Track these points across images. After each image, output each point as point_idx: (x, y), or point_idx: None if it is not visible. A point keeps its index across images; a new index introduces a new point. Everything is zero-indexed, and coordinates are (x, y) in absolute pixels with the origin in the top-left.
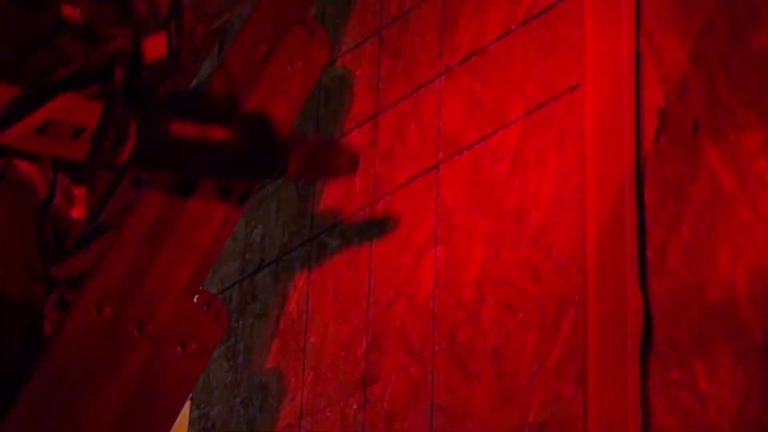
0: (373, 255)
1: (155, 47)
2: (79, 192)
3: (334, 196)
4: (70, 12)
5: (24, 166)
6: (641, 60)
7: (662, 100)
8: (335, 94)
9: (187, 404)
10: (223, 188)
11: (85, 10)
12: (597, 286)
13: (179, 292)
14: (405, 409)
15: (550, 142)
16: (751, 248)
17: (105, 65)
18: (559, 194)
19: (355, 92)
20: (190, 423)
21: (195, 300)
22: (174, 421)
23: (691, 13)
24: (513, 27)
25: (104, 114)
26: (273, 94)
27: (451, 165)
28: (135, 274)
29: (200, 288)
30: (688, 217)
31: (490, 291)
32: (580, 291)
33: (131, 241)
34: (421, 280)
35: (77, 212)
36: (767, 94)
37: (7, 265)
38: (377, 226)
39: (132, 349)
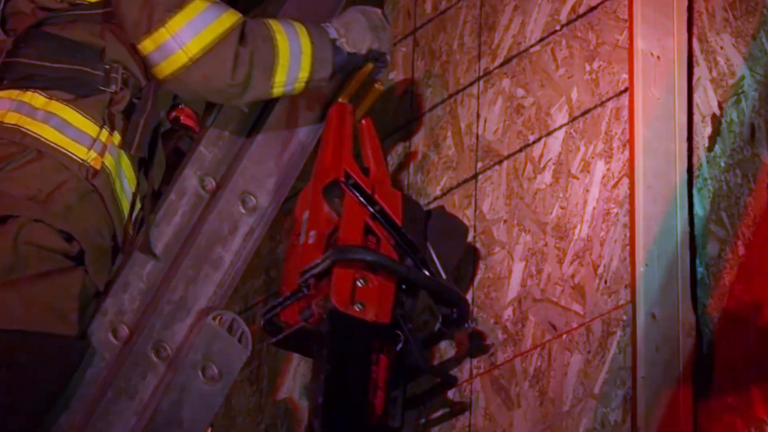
0: None
1: None
2: None
3: None
4: None
5: None
6: (694, 62)
7: (716, 105)
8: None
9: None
10: (243, 201)
11: None
12: (646, 306)
13: (199, 312)
14: None
15: (595, 151)
16: None
17: None
18: (606, 207)
19: (387, 97)
20: None
21: (216, 321)
22: None
23: (748, 11)
24: (557, 28)
25: None
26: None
27: (490, 175)
28: (151, 293)
29: (222, 308)
30: (744, 231)
31: (532, 310)
32: (628, 310)
33: (148, 257)
34: None
35: None
36: None
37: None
38: None
39: (149, 374)
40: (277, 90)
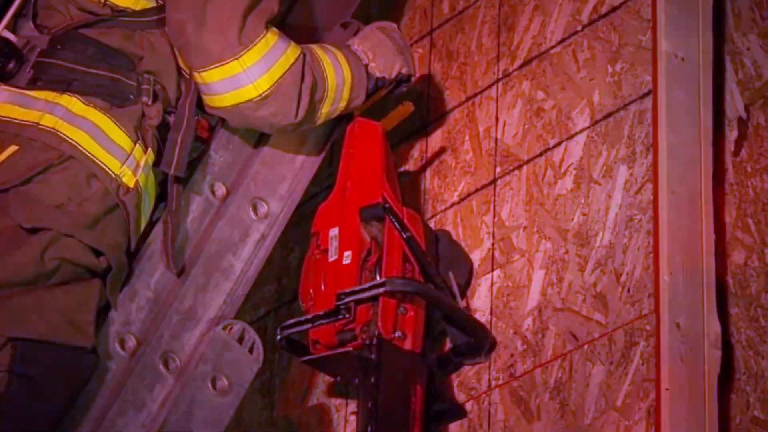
0: None
1: None
2: None
3: None
4: None
5: None
6: (720, 64)
7: (743, 108)
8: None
9: None
10: (255, 207)
11: None
12: (670, 315)
13: (209, 322)
14: None
15: (618, 156)
16: None
17: None
18: (629, 213)
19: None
20: None
21: (227, 331)
22: None
23: None
24: (578, 28)
25: None
26: None
27: (509, 181)
28: (159, 302)
29: (232, 317)
30: None
31: (553, 320)
32: (652, 320)
33: (155, 266)
34: (477, 308)
35: None
36: None
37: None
38: None
39: (157, 385)
40: (320, 120)
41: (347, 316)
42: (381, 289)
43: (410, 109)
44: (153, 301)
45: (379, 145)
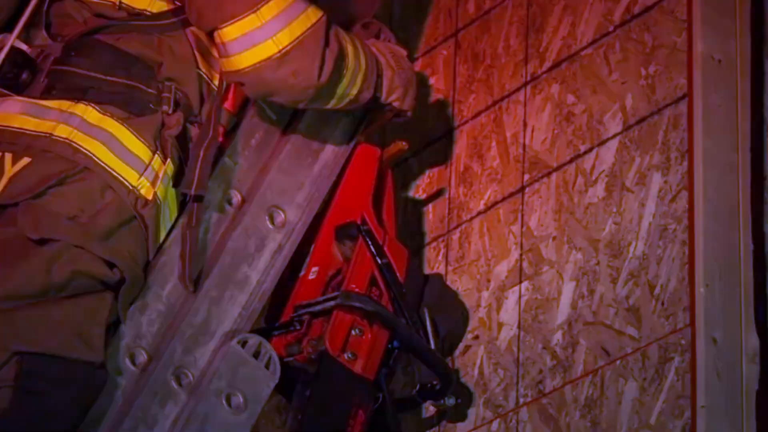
0: None
1: None
2: None
3: (403, 225)
4: None
5: None
6: (759, 66)
7: None
8: None
9: None
10: (271, 215)
11: None
12: (707, 329)
13: (223, 336)
14: None
15: (652, 162)
16: None
17: None
18: (663, 222)
19: (427, 103)
20: None
21: (242, 345)
22: None
23: None
24: (610, 29)
25: None
26: None
27: (538, 188)
28: (171, 315)
29: (248, 331)
30: None
31: (583, 334)
32: (687, 334)
33: (166, 277)
34: (504, 322)
35: None
36: None
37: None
38: (452, 260)
39: (169, 402)
40: (334, 102)
41: (299, 328)
42: (332, 303)
43: (405, 149)
44: (165, 314)
45: (371, 168)
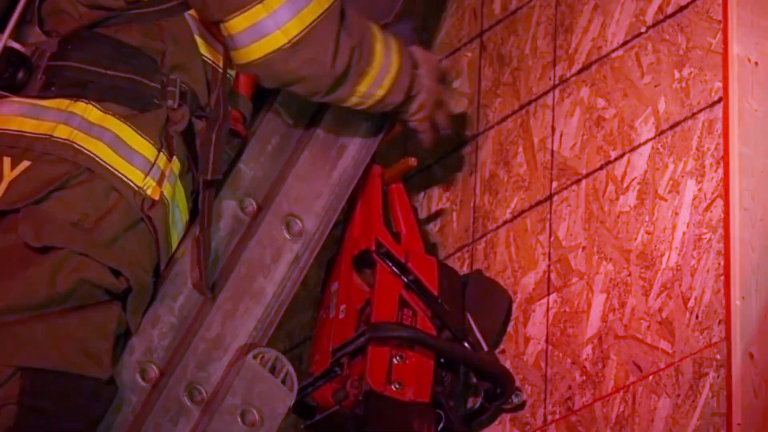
0: None
1: None
2: None
3: (426, 235)
4: None
5: None
6: None
7: None
8: None
9: None
10: (288, 224)
11: None
12: (743, 344)
13: (238, 350)
14: None
15: (686, 169)
16: None
17: None
18: (697, 232)
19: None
20: None
21: (258, 360)
22: None
23: None
24: (642, 30)
25: None
26: None
27: (566, 196)
28: (184, 328)
29: (264, 345)
30: None
31: (614, 349)
32: (723, 349)
33: (179, 289)
34: (531, 336)
35: None
36: None
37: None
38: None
39: (182, 420)
40: (354, 100)
41: (339, 372)
42: (362, 339)
43: (413, 165)
44: (177, 328)
45: (373, 189)
